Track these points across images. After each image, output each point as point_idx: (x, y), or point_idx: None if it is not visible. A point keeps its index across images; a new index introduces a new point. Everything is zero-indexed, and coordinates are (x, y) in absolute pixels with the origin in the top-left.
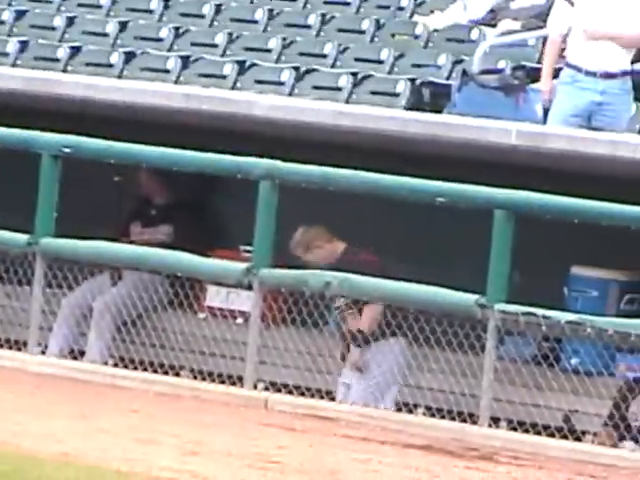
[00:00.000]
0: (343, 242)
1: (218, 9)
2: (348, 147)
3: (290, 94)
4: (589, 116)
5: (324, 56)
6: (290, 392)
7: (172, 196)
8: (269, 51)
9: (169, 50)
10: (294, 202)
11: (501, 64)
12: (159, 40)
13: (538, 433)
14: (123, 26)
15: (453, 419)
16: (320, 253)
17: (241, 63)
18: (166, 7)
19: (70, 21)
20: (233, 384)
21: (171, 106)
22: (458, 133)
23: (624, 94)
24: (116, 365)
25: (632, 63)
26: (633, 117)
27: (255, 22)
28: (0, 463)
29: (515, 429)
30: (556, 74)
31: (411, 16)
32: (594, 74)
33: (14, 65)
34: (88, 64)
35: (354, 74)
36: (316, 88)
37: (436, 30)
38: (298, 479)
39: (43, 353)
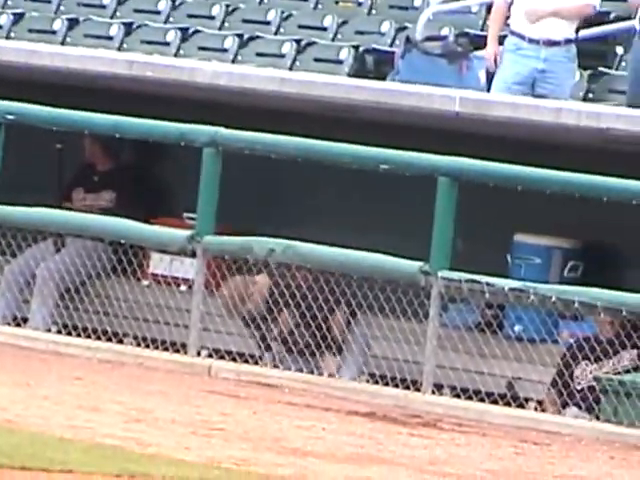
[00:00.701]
0: (262, 274)
1: None
2: (292, 114)
3: (233, 61)
4: (532, 83)
5: (267, 23)
6: (234, 359)
7: (115, 163)
8: (212, 18)
9: (112, 17)
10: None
11: (444, 31)
12: (102, 7)
13: (481, 400)
14: None
15: (396, 386)
16: (256, 295)
17: (184, 30)
18: None
19: None
20: (177, 351)
21: (114, 73)
22: (401, 100)
23: (567, 62)
24: (59, 332)
25: (577, 31)
26: (577, 84)
27: None
28: None
29: (458, 396)
30: (501, 42)
31: None
32: (537, 42)
33: None
34: (31, 30)
35: (297, 41)
36: (260, 55)
37: None
38: (242, 446)
39: None
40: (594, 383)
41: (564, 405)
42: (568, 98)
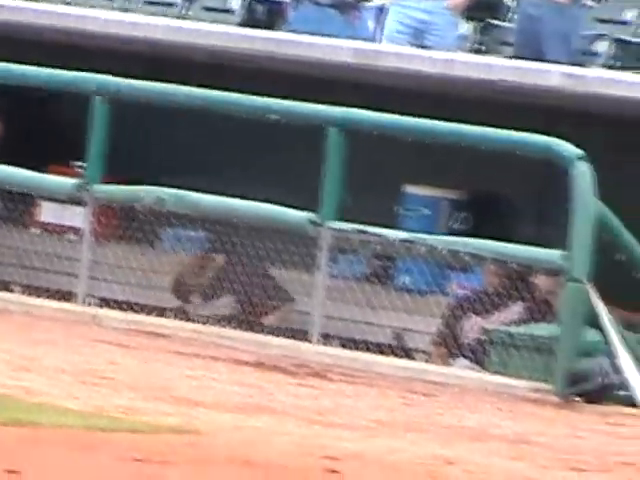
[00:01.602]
0: (221, 255)
1: None
2: (183, 63)
3: (124, 10)
4: (418, 35)
5: None
6: (122, 308)
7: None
8: None
9: None
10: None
11: None
12: None
13: (370, 351)
14: None
15: (285, 336)
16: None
17: None
18: None
19: None
20: (65, 300)
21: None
22: (292, 50)
23: (451, 14)
24: None
25: None
26: (468, 36)
27: None
28: None
29: (347, 346)
30: None
31: None
32: None
33: None
34: None
35: None
36: (149, 4)
37: None
38: (130, 395)
39: None
40: (482, 335)
41: (452, 356)
42: (455, 49)
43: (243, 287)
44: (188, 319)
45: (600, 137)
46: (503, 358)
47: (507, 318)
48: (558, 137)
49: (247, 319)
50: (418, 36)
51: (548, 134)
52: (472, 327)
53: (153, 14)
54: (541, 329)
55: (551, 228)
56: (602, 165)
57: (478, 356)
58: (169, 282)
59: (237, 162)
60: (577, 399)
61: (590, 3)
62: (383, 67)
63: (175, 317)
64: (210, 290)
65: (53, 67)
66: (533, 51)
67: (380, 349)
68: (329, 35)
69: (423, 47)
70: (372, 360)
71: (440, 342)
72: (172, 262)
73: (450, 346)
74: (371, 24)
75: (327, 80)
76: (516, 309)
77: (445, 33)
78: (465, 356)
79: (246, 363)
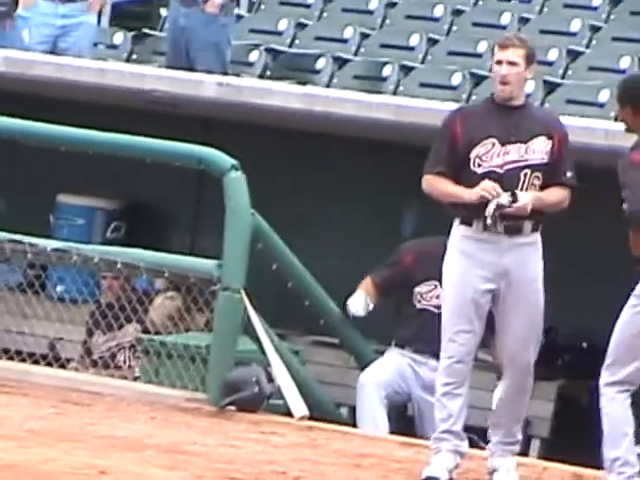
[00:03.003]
0: None
1: None
2: None
3: None
4: (56, 41)
5: None
6: None
7: None
8: None
9: None
10: None
11: None
12: None
13: (23, 360)
14: None
15: None
16: None
17: None
18: None
19: None
20: None
21: None
22: None
23: (87, 17)
24: None
25: None
26: (120, 45)
27: None
28: None
29: (0, 357)
30: None
31: None
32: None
33: None
34: None
35: None
36: None
37: None
38: None
39: None
40: (107, 354)
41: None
42: (91, 57)
43: None
44: None
45: (255, 146)
46: (156, 367)
47: (123, 338)
48: (215, 147)
49: None
50: (56, 42)
51: (205, 144)
52: (98, 343)
53: None
54: (196, 338)
55: (208, 238)
56: (257, 174)
57: (110, 368)
58: None
59: None
60: (231, 408)
61: (242, 13)
62: (34, 76)
63: None
64: None
65: None
66: (184, 61)
67: (34, 359)
68: None
69: (60, 50)
70: (26, 370)
71: (83, 353)
72: None
73: (91, 355)
74: (26, 33)
75: None
76: (131, 330)
77: (81, 39)
78: (105, 366)
79: None
